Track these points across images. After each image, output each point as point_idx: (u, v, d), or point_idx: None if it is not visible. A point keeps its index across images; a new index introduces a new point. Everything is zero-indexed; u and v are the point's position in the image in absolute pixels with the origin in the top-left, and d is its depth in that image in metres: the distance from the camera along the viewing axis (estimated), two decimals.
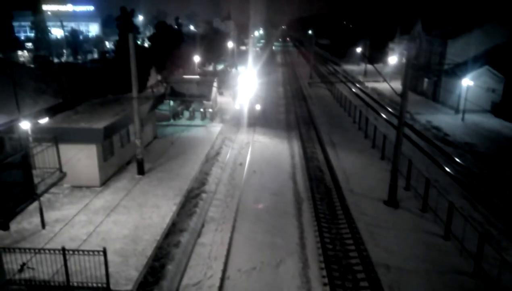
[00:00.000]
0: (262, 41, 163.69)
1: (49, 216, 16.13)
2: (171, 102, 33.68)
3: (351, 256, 15.90)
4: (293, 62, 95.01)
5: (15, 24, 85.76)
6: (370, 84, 56.49)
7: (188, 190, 19.75)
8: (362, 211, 19.23)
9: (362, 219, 18.44)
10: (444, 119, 37.09)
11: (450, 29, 45.95)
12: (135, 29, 52.72)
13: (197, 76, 38.92)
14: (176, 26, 61.81)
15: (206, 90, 32.49)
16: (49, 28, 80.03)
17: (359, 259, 15.58)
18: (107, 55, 73.15)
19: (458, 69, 40.97)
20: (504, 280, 13.57)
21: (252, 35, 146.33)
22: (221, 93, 37.87)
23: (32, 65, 55.05)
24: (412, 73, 46.06)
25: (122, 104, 23.34)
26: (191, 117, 33.64)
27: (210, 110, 33.47)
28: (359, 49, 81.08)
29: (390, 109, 41.45)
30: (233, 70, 66.39)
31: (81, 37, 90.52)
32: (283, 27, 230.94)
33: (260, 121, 36.70)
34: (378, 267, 14.85)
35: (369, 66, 65.55)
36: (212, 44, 62.71)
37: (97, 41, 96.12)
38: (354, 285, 14.17)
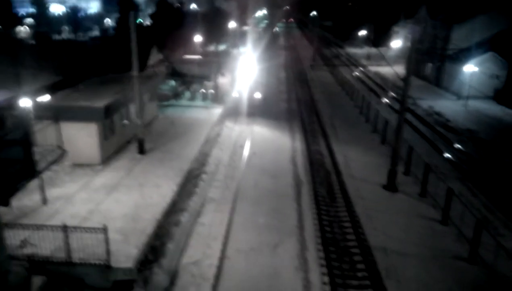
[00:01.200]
0: (265, 21, 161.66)
1: (50, 193, 16.21)
2: (172, 82, 33.52)
3: (348, 239, 16.08)
4: (296, 44, 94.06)
5: (16, 0, 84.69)
6: (373, 68, 56.06)
7: (188, 171, 19.84)
8: (361, 195, 19.35)
9: (361, 203, 18.57)
10: (447, 105, 36.95)
11: (455, 14, 45.34)
12: (136, 7, 52.05)
13: (199, 56, 38.64)
14: (177, 5, 60.97)
15: (207, 70, 32.29)
16: (49, 4, 79.11)
17: (357, 242, 15.76)
18: (107, 32, 72.38)
19: (462, 55, 40.59)
20: (499, 266, 13.76)
21: (254, 15, 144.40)
22: (222, 74, 37.60)
23: (32, 42, 54.55)
24: (415, 57, 45.70)
25: (123, 83, 23.24)
26: (192, 98, 33.53)
27: (212, 91, 33.31)
28: (363, 32, 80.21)
29: (392, 94, 41.25)
30: (235, 50, 65.75)
31: (81, 14, 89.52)
32: (287, 7, 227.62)
33: (260, 110, 33.66)
34: (375, 250, 15.03)
35: (373, 50, 64.97)
36: (214, 24, 62.00)
37: (98, 18, 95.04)
38: (351, 267, 14.38)
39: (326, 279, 13.64)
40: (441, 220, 17.09)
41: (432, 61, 47.70)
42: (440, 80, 45.31)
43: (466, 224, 15.77)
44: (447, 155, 24.75)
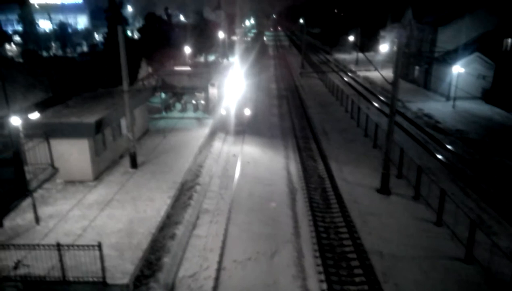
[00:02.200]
0: (254, 31, 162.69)
1: (43, 211, 16.06)
2: (163, 95, 33.49)
3: (345, 244, 16.08)
4: (285, 52, 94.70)
5: (2, 18, 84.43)
6: (361, 73, 56.56)
7: (181, 183, 19.75)
8: (355, 199, 19.41)
9: (355, 207, 18.62)
10: (435, 107, 37.35)
11: (440, 16, 46.01)
12: (124, 21, 52.07)
13: (188, 68, 38.69)
14: (165, 17, 61.11)
15: (197, 82, 32.31)
16: (36, 21, 78.84)
17: (353, 247, 15.76)
18: (96, 48, 72.32)
19: (449, 57, 41.14)
20: (495, 264, 13.83)
21: (243, 25, 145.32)
22: (212, 85, 37.68)
23: (20, 60, 54.28)
24: (403, 61, 46.21)
25: (113, 98, 23.17)
26: (183, 110, 33.50)
27: (202, 102, 33.34)
28: (350, 38, 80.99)
29: (381, 98, 41.61)
30: (225, 60, 65.99)
31: (69, 29, 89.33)
32: (274, 16, 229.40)
33: (250, 125, 31.82)
34: (371, 254, 15.05)
35: (361, 55, 65.55)
36: (202, 34, 62.25)
37: (86, 34, 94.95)
38: (348, 273, 14.37)
39: (324, 286, 13.61)
40: (435, 221, 17.18)
41: (419, 64, 48.26)
42: (428, 83, 45.83)
43: (460, 224, 15.88)
44: (438, 156, 24.95)
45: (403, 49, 20.24)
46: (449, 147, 26.51)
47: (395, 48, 21.86)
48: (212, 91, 34.71)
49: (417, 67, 49.14)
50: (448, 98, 39.42)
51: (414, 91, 45.07)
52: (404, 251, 15.27)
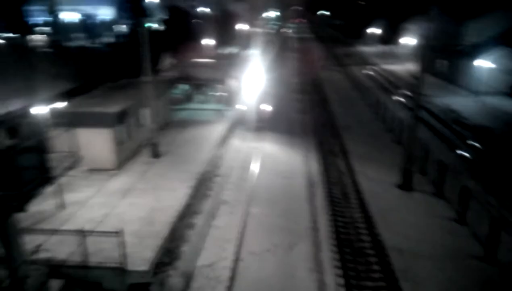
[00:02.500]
0: (276, 22, 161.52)
1: (68, 198, 16.49)
2: (184, 86, 33.72)
3: (363, 240, 15.95)
4: (307, 44, 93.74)
5: (34, 8, 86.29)
6: (385, 66, 55.57)
7: (202, 173, 19.93)
8: (376, 195, 19.18)
9: (376, 203, 18.40)
10: (461, 102, 36.35)
11: (467, 10, 44.60)
12: (148, 13, 52.58)
13: (210, 60, 38.82)
14: (189, 9, 61.35)
15: (219, 73, 32.39)
16: (65, 12, 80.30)
17: (372, 243, 15.62)
18: (121, 38, 73.21)
19: (476, 51, 39.91)
20: None
21: (266, 17, 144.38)
22: (233, 77, 37.66)
23: (48, 49, 55.53)
24: (428, 54, 45.09)
25: (136, 89, 23.47)
26: (204, 101, 33.66)
27: (223, 93, 33.40)
28: (374, 30, 79.50)
29: (406, 92, 40.79)
30: (247, 52, 65.84)
31: (96, 20, 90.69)
32: (297, 7, 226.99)
33: (270, 124, 29.58)
34: (391, 250, 14.88)
35: (385, 47, 64.44)
36: (225, 26, 62.23)
37: (112, 25, 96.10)
38: (366, 269, 14.26)
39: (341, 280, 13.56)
40: (457, 219, 16.82)
41: (445, 58, 47.02)
42: (453, 77, 44.62)
43: (482, 222, 15.50)
44: (463, 152, 24.35)
45: (428, 42, 19.76)
46: (474, 143, 25.84)
47: (420, 41, 21.28)
48: (233, 83, 34.71)
49: (442, 61, 47.91)
50: (474, 93, 38.33)
51: (439, 86, 43.96)
52: (424, 248, 15.02)
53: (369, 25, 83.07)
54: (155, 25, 72.13)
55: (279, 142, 26.86)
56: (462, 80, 42.31)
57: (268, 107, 29.52)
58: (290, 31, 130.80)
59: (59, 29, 75.54)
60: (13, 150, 8.95)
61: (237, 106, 29.64)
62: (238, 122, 28.95)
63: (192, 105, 32.90)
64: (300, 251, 15.00)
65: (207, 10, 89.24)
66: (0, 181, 8.89)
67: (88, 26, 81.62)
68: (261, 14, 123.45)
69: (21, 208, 9.45)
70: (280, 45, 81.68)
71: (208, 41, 51.36)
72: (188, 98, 33.66)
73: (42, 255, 12.34)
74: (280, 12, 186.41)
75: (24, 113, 10.90)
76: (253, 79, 30.40)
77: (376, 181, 20.56)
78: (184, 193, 17.55)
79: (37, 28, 75.43)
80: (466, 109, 33.83)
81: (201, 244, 15.20)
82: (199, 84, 33.69)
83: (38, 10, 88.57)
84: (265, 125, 29.06)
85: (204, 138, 24.60)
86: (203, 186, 19.58)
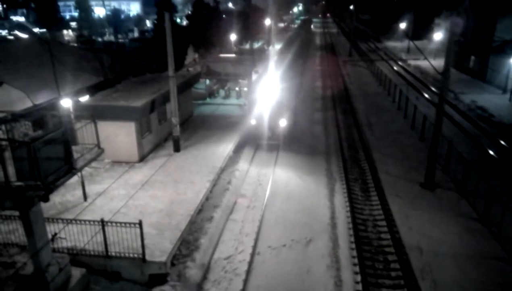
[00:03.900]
0: (301, 17, 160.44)
1: (91, 189, 17.03)
2: (207, 81, 34.04)
3: (383, 238, 15.80)
4: (333, 40, 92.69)
5: (61, 4, 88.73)
6: (412, 62, 54.45)
7: (221, 168, 20.13)
8: (397, 193, 18.93)
9: (397, 201, 18.18)
10: (490, 99, 35.27)
11: (499, 5, 43.09)
12: (172, 8, 53.14)
13: (233, 55, 39.00)
14: (213, 4, 61.64)
15: (241, 69, 32.53)
16: (92, 8, 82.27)
17: (391, 241, 15.45)
18: (146, 34, 74.41)
19: (508, 47, 38.58)
20: None
21: (290, 12, 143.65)
22: (257, 72, 37.77)
23: (75, 44, 57.03)
24: (457, 50, 43.86)
25: (160, 83, 23.87)
26: (227, 96, 33.91)
27: (246, 89, 33.54)
28: (402, 25, 77.78)
29: (432, 88, 39.92)
30: (270, 48, 65.70)
31: (122, 16, 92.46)
32: (323, 2, 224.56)
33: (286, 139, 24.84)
34: (410, 249, 14.69)
35: (413, 43, 62.98)
36: (249, 21, 62.21)
37: (138, 20, 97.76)
38: (384, 267, 14.14)
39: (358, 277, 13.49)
40: (481, 219, 16.43)
41: (475, 54, 45.67)
42: (483, 74, 43.30)
43: (507, 223, 15.08)
44: (489, 151, 23.68)
45: (456, 38, 19.27)
46: (502, 142, 25.08)
47: (449, 36, 20.53)
48: (255, 79, 34.78)
49: (472, 57, 46.54)
50: (504, 90, 37.09)
51: (468, 82, 42.77)
52: (445, 248, 14.75)
53: (397, 20, 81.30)
54: (178, 21, 72.93)
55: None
56: (492, 77, 41.02)
57: (283, 121, 24.14)
58: (314, 26, 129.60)
59: (86, 25, 77.39)
60: (38, 140, 9.29)
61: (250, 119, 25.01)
62: (249, 138, 25.03)
63: (214, 100, 33.20)
64: None
65: (232, 5, 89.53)
66: (24, 171, 9.23)
67: (114, 21, 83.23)
68: (286, 9, 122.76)
69: (44, 198, 9.80)
70: (304, 41, 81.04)
71: (231, 36, 51.55)
72: (210, 93, 33.98)
73: (64, 244, 12.77)
74: (305, 7, 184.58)
75: (49, 106, 11.28)
76: (269, 85, 25.88)
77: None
78: (203, 186, 17.78)
79: (65, 23, 77.49)
80: (494, 106, 32.81)
81: (219, 237, 15.40)
82: (221, 79, 33.95)
83: (65, 6, 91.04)
84: (279, 142, 24.32)
85: (225, 132, 24.72)
86: (222, 179, 19.79)
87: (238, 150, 23.49)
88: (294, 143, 25.12)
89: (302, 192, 19.41)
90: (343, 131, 28.59)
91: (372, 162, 22.76)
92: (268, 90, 24.98)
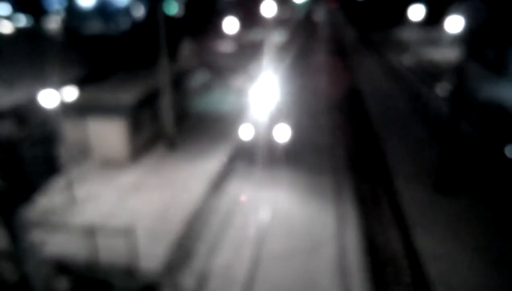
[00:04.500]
0: (306, 6, 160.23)
1: (79, 191, 17.06)
2: (205, 74, 34.11)
3: (394, 241, 15.88)
4: (340, 32, 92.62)
5: None
6: (426, 54, 54.42)
7: (218, 167, 20.16)
8: (411, 195, 18.97)
9: (410, 204, 18.21)
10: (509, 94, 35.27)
11: None
12: None
13: (232, 47, 39.07)
14: None
15: (240, 61, 32.59)
16: None
17: (403, 244, 15.53)
18: (137, 24, 74.44)
19: None
20: None
21: (294, 0, 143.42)
22: (256, 66, 37.79)
23: (61, 35, 57.08)
24: (475, 42, 43.83)
25: (152, 77, 23.91)
26: (225, 90, 33.96)
27: (245, 83, 33.58)
28: (415, 14, 77.72)
29: (447, 84, 39.90)
30: (272, 39, 65.74)
31: (111, 6, 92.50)
32: None
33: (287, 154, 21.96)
34: (423, 255, 14.75)
35: (428, 33, 63.11)
36: (249, 11, 62.29)
37: (127, 11, 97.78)
38: (395, 272, 14.22)
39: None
40: (498, 222, 16.49)
41: (495, 46, 45.66)
42: (505, 67, 43.32)
43: None
44: (507, 151, 23.70)
45: (475, 28, 19.25)
46: None
47: (466, 27, 20.34)
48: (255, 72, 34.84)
49: (491, 50, 46.53)
50: None
51: (487, 77, 42.78)
52: (463, 254, 14.81)
53: (408, 7, 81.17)
54: (174, 10, 72.93)
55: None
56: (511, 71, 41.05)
57: (283, 134, 20.24)
58: (319, 16, 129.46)
59: (73, 15, 77.49)
60: (22, 140, 9.36)
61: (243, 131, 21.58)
62: (243, 153, 22.30)
63: (212, 94, 33.24)
64: None
65: None
66: (8, 172, 9.31)
67: (103, 11, 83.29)
68: None
69: (28, 200, 9.89)
70: (308, 34, 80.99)
71: (230, 27, 51.63)
72: (207, 87, 34.04)
73: (50, 251, 12.84)
74: None
75: (34, 103, 11.38)
76: (268, 87, 20.82)
77: None
78: (200, 188, 17.84)
79: (51, 14, 77.60)
80: None
81: (216, 243, 15.45)
82: (220, 72, 34.00)
83: None
84: (280, 158, 21.74)
85: (222, 129, 24.76)
86: (220, 180, 19.83)
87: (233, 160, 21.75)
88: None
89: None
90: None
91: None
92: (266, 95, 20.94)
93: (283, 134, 19.97)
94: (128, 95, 20.30)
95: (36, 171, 9.84)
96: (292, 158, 22.22)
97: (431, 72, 45.37)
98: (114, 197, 16.92)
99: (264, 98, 19.91)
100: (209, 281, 13.60)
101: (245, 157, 21.69)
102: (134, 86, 22.17)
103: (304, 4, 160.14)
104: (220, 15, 51.45)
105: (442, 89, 36.88)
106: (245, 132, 21.02)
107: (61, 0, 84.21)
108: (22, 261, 10.77)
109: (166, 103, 21.39)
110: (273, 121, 20.81)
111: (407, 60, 52.63)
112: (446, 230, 16.21)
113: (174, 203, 16.59)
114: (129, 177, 18.75)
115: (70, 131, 12.49)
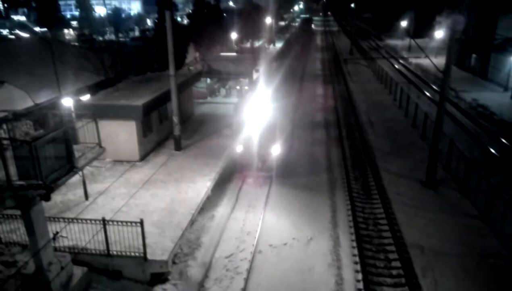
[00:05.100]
0: (302, 16, 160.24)
1: (92, 188, 17.06)
2: (208, 80, 34.05)
3: (384, 236, 15.81)
4: (334, 40, 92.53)
5: (62, 3, 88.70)
6: (414, 60, 54.37)
7: (222, 167, 20.12)
8: (398, 191, 18.94)
9: (398, 200, 18.18)
10: (492, 98, 35.20)
11: (501, 2, 43.00)
12: (173, 6, 53.15)
13: (234, 54, 39.00)
14: (214, 2, 61.60)
15: (242, 67, 32.53)
16: (92, 6, 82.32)
17: (392, 239, 15.46)
18: (147, 33, 74.38)
19: (509, 45, 38.49)
20: None
21: (291, 10, 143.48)
22: (257, 71, 37.76)
23: (76, 43, 57.00)
24: (458, 48, 43.78)
25: (161, 82, 23.87)
26: (227, 95, 33.91)
27: (247, 87, 33.54)
28: (403, 23, 77.67)
29: (434, 87, 39.86)
30: (271, 46, 65.74)
31: (123, 15, 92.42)
32: (324, 0, 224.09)
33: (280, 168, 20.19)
34: (411, 248, 14.70)
35: (415, 41, 62.92)
36: (250, 19, 62.14)
37: (138, 19, 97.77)
38: (385, 265, 14.16)
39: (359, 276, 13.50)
40: (482, 217, 16.43)
41: (476, 51, 45.60)
42: (485, 72, 43.26)
43: (508, 221, 15.08)
44: (490, 149, 23.65)
45: (457, 35, 19.22)
46: (503, 140, 25.04)
47: (450, 34, 20.30)
48: (257, 77, 34.78)
49: (473, 55, 46.48)
50: (506, 88, 37.05)
51: (469, 80, 42.72)
52: (446, 246, 14.76)
53: (399, 18, 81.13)
54: (179, 19, 72.87)
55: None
56: (494, 75, 40.98)
57: (276, 149, 19.36)
58: (314, 25, 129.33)
59: (87, 24, 77.43)
60: (39, 139, 9.31)
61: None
62: (234, 170, 20.81)
63: (216, 99, 33.20)
64: None
65: (232, 3, 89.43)
66: (26, 170, 9.26)
67: (115, 20, 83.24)
68: (287, 7, 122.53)
69: (45, 196, 9.83)
70: (303, 41, 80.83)
71: (232, 35, 51.52)
72: (211, 91, 33.99)
73: (65, 243, 12.80)
74: (306, 6, 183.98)
75: (50, 105, 11.34)
76: (261, 100, 20.14)
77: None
78: (204, 185, 17.79)
79: (66, 23, 77.54)
80: (495, 104, 32.75)
81: (220, 236, 15.42)
82: (222, 78, 33.96)
83: (66, 5, 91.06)
84: (272, 174, 19.89)
85: (226, 131, 24.70)
86: (224, 178, 19.78)
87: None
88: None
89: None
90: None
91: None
92: (259, 108, 19.54)
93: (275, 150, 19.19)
94: (139, 99, 20.26)
95: (52, 168, 9.79)
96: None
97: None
98: (125, 192, 16.87)
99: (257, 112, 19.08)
100: (212, 270, 13.60)
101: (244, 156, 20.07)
102: (144, 90, 22.12)
103: (300, 13, 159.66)
104: (223, 24, 51.31)
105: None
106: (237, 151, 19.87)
107: (75, 9, 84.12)
108: (39, 253, 10.72)
109: (173, 107, 21.32)
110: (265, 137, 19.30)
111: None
112: None
113: (181, 198, 16.53)
114: (139, 175, 18.71)
115: (85, 132, 12.46)
